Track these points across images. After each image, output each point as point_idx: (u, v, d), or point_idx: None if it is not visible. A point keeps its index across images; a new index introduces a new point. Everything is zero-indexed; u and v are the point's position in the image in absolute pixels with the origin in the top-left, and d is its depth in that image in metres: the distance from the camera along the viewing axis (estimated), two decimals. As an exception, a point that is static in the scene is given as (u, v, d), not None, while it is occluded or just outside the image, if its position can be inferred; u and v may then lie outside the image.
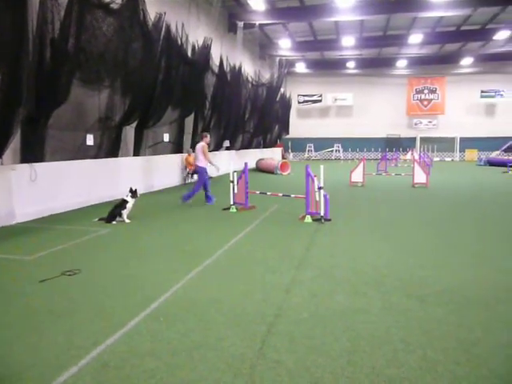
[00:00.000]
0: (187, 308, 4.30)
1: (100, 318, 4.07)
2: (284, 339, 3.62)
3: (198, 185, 11.18)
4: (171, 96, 14.92)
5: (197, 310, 4.23)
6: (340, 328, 3.82)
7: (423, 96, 39.85)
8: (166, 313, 4.17)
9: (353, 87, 39.86)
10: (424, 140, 39.08)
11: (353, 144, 39.23)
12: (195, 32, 17.49)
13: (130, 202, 8.87)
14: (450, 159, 38.17)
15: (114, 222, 8.61)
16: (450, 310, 4.22)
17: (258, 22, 23.26)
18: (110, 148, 12.48)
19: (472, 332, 3.72)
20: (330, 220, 8.64)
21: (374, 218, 9.43)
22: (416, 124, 40.06)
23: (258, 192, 10.85)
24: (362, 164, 16.01)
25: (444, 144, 38.99)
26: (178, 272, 5.42)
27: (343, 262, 5.89)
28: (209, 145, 11.87)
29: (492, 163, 28.18)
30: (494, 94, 38.61)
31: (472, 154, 37.01)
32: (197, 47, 17.04)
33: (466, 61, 34.45)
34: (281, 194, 10.36)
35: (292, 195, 10.26)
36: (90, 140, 11.70)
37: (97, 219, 8.84)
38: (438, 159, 36.59)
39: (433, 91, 39.74)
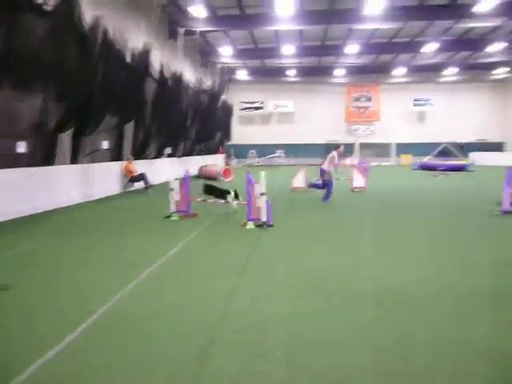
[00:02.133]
0: (125, 321, 4.17)
1: (32, 337, 3.88)
2: (226, 347, 3.60)
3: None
4: (110, 102, 14.54)
5: (136, 323, 4.12)
6: (282, 332, 3.86)
7: (360, 103, 41.35)
8: (103, 328, 4.03)
9: (294, 94, 40.66)
10: (362, 146, 40.44)
11: (295, 150, 39.90)
12: (135, 37, 17.18)
13: None
14: (386, 164, 39.67)
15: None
16: (388, 309, 4.37)
17: (199, 29, 23.20)
18: (45, 156, 11.95)
19: (411, 329, 3.87)
20: (272, 226, 8.72)
21: (316, 223, 9.62)
22: (355, 130, 41.46)
23: (199, 199, 10.77)
24: (303, 170, 16.30)
25: (381, 149, 40.57)
26: (116, 284, 5.21)
27: (285, 267, 5.95)
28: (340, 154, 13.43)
29: (424, 167, 29.57)
30: (424, 102, 40.78)
31: (407, 159, 38.63)
32: (136, 53, 16.74)
33: (399, 71, 36.06)
34: (222, 201, 10.34)
35: (234, 202, 10.27)
36: (21, 147, 11.16)
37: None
38: (375, 164, 37.89)
39: (369, 99, 41.33)
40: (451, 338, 3.68)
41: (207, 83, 29.32)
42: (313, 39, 28.71)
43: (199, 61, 29.15)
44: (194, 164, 23.99)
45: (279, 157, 39.80)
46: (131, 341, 3.73)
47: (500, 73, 37.19)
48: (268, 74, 37.70)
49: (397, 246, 7.26)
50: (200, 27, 22.81)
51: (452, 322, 4.07)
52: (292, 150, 39.87)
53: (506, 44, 27.87)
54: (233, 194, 10.12)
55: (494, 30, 26.54)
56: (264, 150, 39.62)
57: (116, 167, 16.08)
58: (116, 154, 16.75)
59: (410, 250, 6.93)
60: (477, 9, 20.48)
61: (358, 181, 16.04)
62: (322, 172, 13.04)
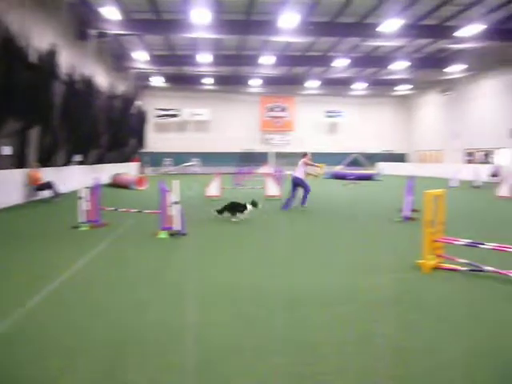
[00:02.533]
0: (24, 342, 3.87)
1: None
2: (135, 360, 3.47)
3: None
4: (11, 105, 13.58)
5: (36, 343, 3.83)
6: (193, 342, 3.79)
7: (275, 113, 42.39)
8: (-2, 347, 3.71)
9: (210, 103, 40.76)
10: (278, 155, 41.38)
11: (210, 158, 39.89)
12: (41, 37, 16.27)
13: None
14: (300, 173, 40.86)
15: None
16: (301, 315, 4.44)
17: (111, 32, 22.47)
18: None
19: (317, 333, 3.96)
20: (185, 234, 8.59)
21: (229, 231, 9.63)
22: (270, 139, 42.37)
23: (110, 208, 10.36)
24: (217, 178, 16.32)
25: (296, 159, 41.44)
26: (12, 302, 4.82)
27: (198, 276, 5.87)
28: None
29: (336, 176, 30.89)
30: (335, 114, 42.78)
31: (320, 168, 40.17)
32: (42, 53, 15.84)
33: (312, 83, 37.49)
34: (134, 210, 10.03)
35: (146, 211, 10.02)
36: None
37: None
38: (290, 172, 38.89)
39: (283, 109, 42.51)
40: (355, 338, 3.83)
41: (120, 88, 28.48)
42: (229, 48, 29.03)
43: (112, 65, 28.27)
44: (106, 172, 23.12)
45: (194, 165, 39.55)
46: (29, 359, 3.46)
47: (403, 89, 40.01)
48: (184, 82, 37.46)
49: (310, 253, 7.45)
50: (113, 30, 22.11)
51: (357, 322, 4.23)
52: (208, 158, 39.79)
53: (409, 63, 30.04)
54: (250, 206, 10.70)
55: (398, 49, 28.52)
56: (180, 158, 39.20)
57: (18, 175, 14.98)
58: (19, 161, 15.64)
59: (318, 255, 7.14)
60: (382, 29, 21.85)
61: (272, 189, 16.35)
62: (297, 180, 13.13)
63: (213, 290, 5.31)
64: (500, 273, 5.69)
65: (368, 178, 29.65)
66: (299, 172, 13.10)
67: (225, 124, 41.44)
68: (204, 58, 28.92)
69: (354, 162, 36.02)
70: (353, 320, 4.37)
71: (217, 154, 40.46)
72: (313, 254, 7.35)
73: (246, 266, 6.54)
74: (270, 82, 37.43)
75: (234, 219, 10.57)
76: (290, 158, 41.31)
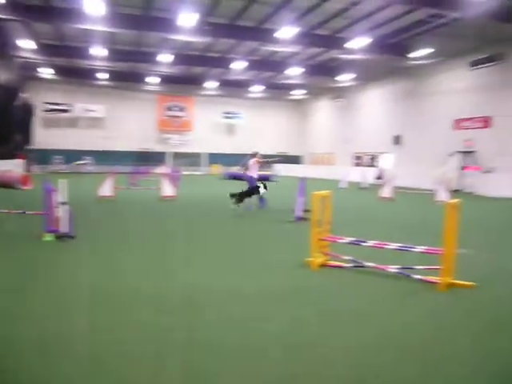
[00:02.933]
0: None
1: None
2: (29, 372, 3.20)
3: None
4: None
5: None
6: (82, 352, 3.60)
7: (173, 113, 41.87)
8: None
9: (105, 99, 39.14)
10: (175, 155, 40.88)
11: (104, 157, 38.27)
12: None
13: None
14: (198, 173, 40.81)
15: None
16: (192, 315, 4.42)
17: (-8, 16, 20.57)
18: None
19: (206, 333, 3.97)
20: (74, 237, 8.13)
21: (123, 232, 9.31)
22: (167, 139, 41.72)
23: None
24: (111, 178, 15.70)
25: (193, 159, 41.57)
26: None
27: (87, 280, 5.59)
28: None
29: (233, 177, 31.24)
30: (233, 115, 43.35)
31: (216, 169, 40.45)
32: None
33: (211, 84, 37.57)
34: (17, 211, 9.29)
35: (29, 212, 9.33)
36: None
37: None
38: (187, 173, 38.64)
39: (182, 109, 42.12)
40: (243, 336, 3.90)
41: (2, 77, 26.22)
42: (126, 43, 28.08)
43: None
44: (-16, 169, 21.14)
45: (87, 164, 37.67)
46: None
47: (298, 94, 41.67)
48: (77, 75, 35.41)
49: (209, 252, 7.44)
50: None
51: (251, 322, 4.31)
52: (102, 157, 38.10)
53: (303, 69, 31.34)
54: (262, 186, 12.66)
55: (293, 55, 29.63)
56: (71, 156, 37.11)
57: None
58: None
59: (210, 255, 7.17)
60: (278, 35, 22.54)
61: (168, 189, 16.12)
62: (251, 180, 13.38)
63: (106, 293, 5.10)
64: (379, 268, 6.14)
65: (265, 178, 30.30)
66: (253, 172, 13.39)
67: (121, 122, 40.01)
68: (98, 51, 27.62)
69: (252, 163, 36.70)
70: (242, 318, 4.44)
71: (112, 153, 38.90)
72: (205, 254, 7.36)
73: (139, 267, 6.36)
74: (168, 80, 36.81)
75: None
76: (187, 158, 41.13)
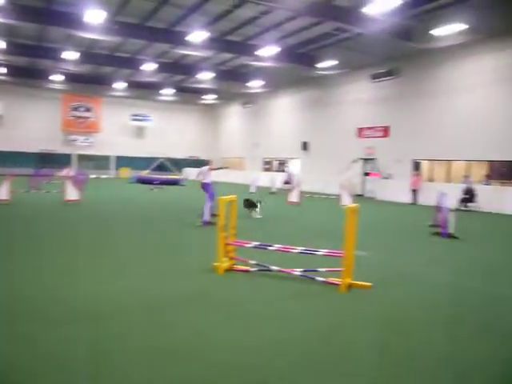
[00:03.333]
0: None
1: None
2: None
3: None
4: None
5: None
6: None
7: (79, 113, 39.95)
8: None
9: (3, 95, 36.30)
10: (81, 157, 38.98)
11: (2, 158, 35.53)
12: None
13: None
14: (106, 176, 39.29)
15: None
16: (89, 325, 4.21)
17: None
18: None
19: (108, 343, 3.80)
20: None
21: (15, 238, 8.68)
22: (73, 140, 39.68)
23: None
24: (7, 180, 14.59)
25: (101, 162, 39.90)
26: None
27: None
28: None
29: (142, 181, 30.54)
30: (143, 118, 42.33)
31: (125, 172, 39.19)
32: None
33: (120, 85, 36.37)
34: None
35: None
36: None
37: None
38: (94, 176, 37.08)
39: (89, 109, 40.34)
40: (145, 345, 3.79)
41: None
42: (28, 37, 26.28)
43: None
44: None
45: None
46: None
47: (209, 98, 41.71)
48: (-30, 69, 32.54)
49: (104, 257, 7.15)
50: None
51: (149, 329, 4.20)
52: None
53: (214, 74, 31.42)
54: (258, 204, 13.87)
55: (205, 60, 29.60)
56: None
57: None
58: None
59: (115, 261, 6.92)
60: (190, 38, 22.39)
61: (72, 193, 15.32)
62: (207, 186, 12.79)
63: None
64: (284, 271, 6.29)
65: (174, 183, 30.07)
66: (208, 178, 12.93)
67: (20, 120, 37.33)
68: (-5, 44, 25.60)
69: (161, 167, 36.11)
70: (146, 326, 4.32)
71: (10, 154, 36.16)
72: (106, 260, 7.08)
73: (31, 275, 5.96)
74: (74, 79, 34.99)
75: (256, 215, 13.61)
76: (95, 161, 39.40)
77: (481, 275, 7.09)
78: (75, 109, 39.79)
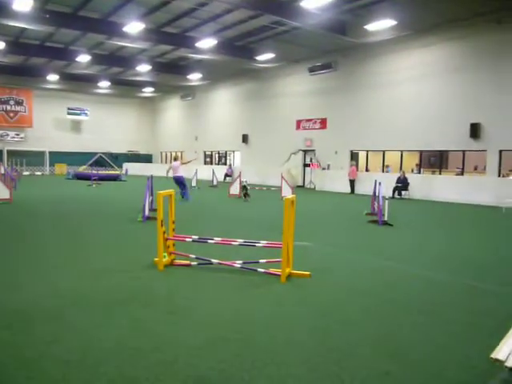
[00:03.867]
0: None
1: None
2: None
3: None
4: None
5: None
6: None
7: (9, 107, 37.87)
8: None
9: None
10: (12, 153, 37.09)
11: None
12: None
13: None
14: (40, 173, 37.63)
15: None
16: (16, 330, 4.05)
17: None
18: None
19: (38, 348, 3.68)
20: None
21: None
22: (2, 136, 37.61)
23: None
24: None
25: (34, 158, 38.15)
26: None
27: None
28: None
29: (79, 177, 29.56)
30: (79, 112, 40.77)
31: (61, 168, 37.74)
32: None
33: (53, 77, 34.81)
34: None
35: None
36: None
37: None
38: (27, 173, 35.43)
39: (19, 103, 38.33)
40: (78, 345, 3.71)
41: None
42: None
43: None
44: None
45: None
46: None
47: (147, 91, 40.87)
48: None
49: (41, 254, 6.88)
50: None
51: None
52: None
53: (151, 67, 30.81)
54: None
55: (142, 52, 28.94)
56: None
57: None
58: None
59: (51, 258, 6.68)
60: (126, 29, 21.79)
61: (2, 192, 14.55)
62: (180, 179, 15.74)
63: None
64: (226, 264, 6.34)
65: (113, 178, 29.33)
66: (180, 172, 15.71)
67: None
68: None
69: (99, 162, 35.08)
70: (80, 327, 4.21)
71: None
72: (43, 260, 6.83)
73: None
74: (2, 71, 33.12)
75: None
76: (27, 157, 37.60)
77: (413, 260, 7.46)
78: (4, 102, 37.68)
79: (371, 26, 19.49)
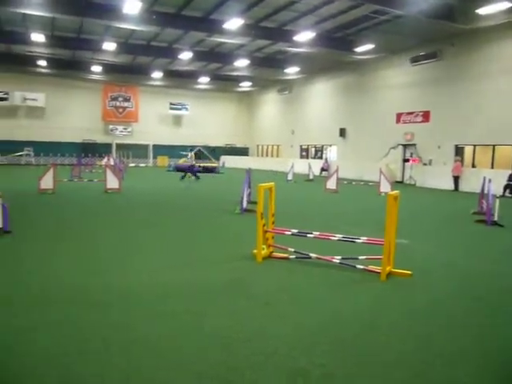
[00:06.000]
0: None
1: None
2: None
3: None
4: None
5: None
6: None
7: (118, 103, 40.69)
8: None
9: (45, 87, 37.37)
10: (120, 146, 39.84)
11: (46, 148, 36.79)
12: None
13: None
14: (144, 165, 40.01)
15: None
16: (130, 312, 4.32)
17: None
18: None
19: (144, 329, 3.89)
20: (9, 232, 7.76)
21: (61, 226, 8.97)
22: (112, 130, 40.53)
23: None
24: (51, 170, 15.07)
25: (139, 150, 40.66)
26: None
27: (16, 277, 5.35)
28: None
29: (179, 169, 30.94)
30: (180, 107, 42.67)
31: (163, 161, 39.82)
32: None
33: (157, 74, 36.75)
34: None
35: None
36: None
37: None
38: (133, 165, 37.82)
39: (127, 99, 41.02)
40: (184, 331, 3.86)
41: None
42: (67, 30, 26.88)
43: None
44: None
45: (27, 155, 36.04)
46: None
47: (245, 86, 41.62)
48: (15, 62, 33.42)
49: (146, 246, 7.30)
50: None
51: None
52: (43, 148, 36.60)
53: (250, 61, 31.30)
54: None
55: (240, 47, 29.49)
56: (9, 147, 35.32)
57: None
58: None
59: (158, 250, 7.05)
60: (226, 26, 22.35)
61: (112, 182, 15.69)
62: (191, 167, 20.20)
63: (25, 292, 4.89)
64: (324, 259, 6.26)
65: (211, 170, 30.35)
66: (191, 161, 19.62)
67: (63, 111, 38.40)
68: (37, 37, 26.25)
69: (198, 155, 36.45)
70: (181, 313, 4.38)
71: (54, 144, 37.41)
72: (149, 247, 7.23)
73: (71, 263, 6.15)
74: (112, 70, 35.57)
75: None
76: (133, 150, 40.20)
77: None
78: (114, 99, 40.55)
79: (483, 10, 18.05)
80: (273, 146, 41.84)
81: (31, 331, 3.83)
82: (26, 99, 36.94)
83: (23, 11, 21.44)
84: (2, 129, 36.05)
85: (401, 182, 25.39)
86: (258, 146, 44.77)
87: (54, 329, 3.91)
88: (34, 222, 9.32)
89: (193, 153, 29.01)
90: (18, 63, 33.59)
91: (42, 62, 33.14)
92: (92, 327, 3.96)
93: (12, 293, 4.81)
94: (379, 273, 5.64)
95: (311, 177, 25.29)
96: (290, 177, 23.57)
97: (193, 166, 23.61)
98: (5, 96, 36.40)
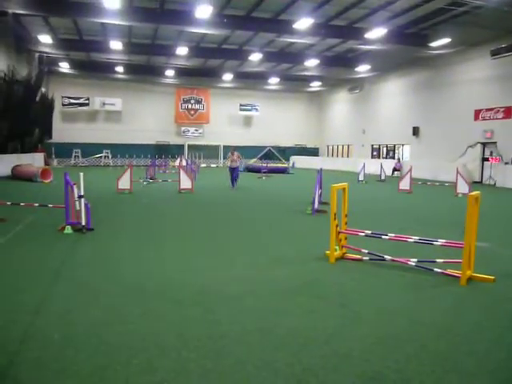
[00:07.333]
0: None
1: None
2: (30, 367, 3.25)
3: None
4: None
5: None
6: (93, 344, 3.62)
7: (190, 106, 41.88)
8: None
9: (122, 92, 39.31)
10: (192, 147, 41.01)
11: (122, 150, 38.64)
12: None
13: None
14: (215, 165, 40.89)
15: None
16: (205, 309, 4.44)
17: (10, 11, 20.68)
18: None
19: (222, 326, 3.97)
20: (92, 230, 8.23)
21: (138, 225, 9.38)
22: (184, 132, 41.82)
23: (8, 203, 9.65)
24: (129, 171, 15.80)
25: (210, 151, 41.63)
26: None
27: (103, 273, 5.65)
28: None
29: (250, 169, 31.28)
30: (250, 108, 43.15)
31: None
32: None
33: (227, 76, 37.45)
34: (37, 204, 9.42)
35: (50, 205, 9.46)
36: None
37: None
38: (204, 165, 38.77)
39: (199, 102, 42.12)
40: (258, 330, 3.89)
41: (22, 73, 26.53)
42: (142, 37, 28.13)
43: (12, 47, 26.14)
44: (5, 163, 21.55)
45: (106, 157, 38.10)
46: None
47: (315, 86, 41.32)
48: (95, 69, 35.53)
49: (219, 244, 7.46)
50: (12, 8, 20.30)
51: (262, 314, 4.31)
52: (120, 150, 38.49)
53: (320, 60, 31.06)
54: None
55: (310, 47, 29.35)
56: (89, 149, 37.55)
57: None
58: None
59: (229, 248, 7.18)
60: (296, 26, 22.34)
61: (185, 182, 16.18)
62: (235, 168, 18.35)
63: (121, 286, 5.15)
64: (399, 261, 6.08)
65: (281, 171, 30.42)
66: (237, 162, 18.40)
67: (138, 115, 40.21)
68: (115, 45, 27.69)
69: (268, 155, 36.64)
70: (259, 311, 4.43)
71: (130, 146, 39.24)
72: (222, 246, 7.38)
73: (155, 261, 6.41)
74: (184, 73, 36.74)
75: None
76: (205, 151, 41.22)
77: None
78: (186, 101, 41.80)
79: None
80: (343, 145, 41.21)
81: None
82: (104, 104, 39.08)
83: (102, 21, 22.64)
84: (84, 132, 38.37)
85: (479, 183, 24.09)
86: (327, 146, 44.29)
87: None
88: (114, 221, 9.81)
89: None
90: (98, 70, 35.64)
91: (120, 68, 34.88)
92: (178, 320, 4.11)
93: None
94: (458, 277, 5.39)
95: (383, 177, 24.63)
96: (361, 177, 23.10)
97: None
98: (86, 101, 38.69)
